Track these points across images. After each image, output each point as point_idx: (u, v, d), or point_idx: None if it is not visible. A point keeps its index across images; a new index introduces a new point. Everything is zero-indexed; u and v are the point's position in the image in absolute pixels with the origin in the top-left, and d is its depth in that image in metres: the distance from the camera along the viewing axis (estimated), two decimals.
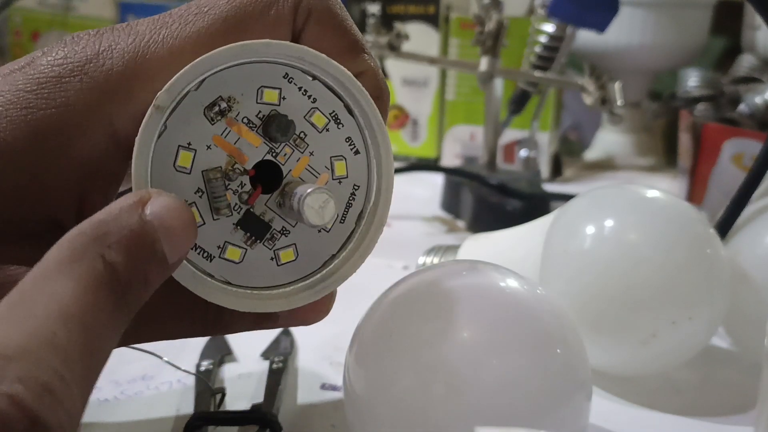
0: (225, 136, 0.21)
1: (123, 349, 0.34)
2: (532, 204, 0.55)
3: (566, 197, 0.51)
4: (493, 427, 0.19)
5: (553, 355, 0.23)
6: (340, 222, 0.23)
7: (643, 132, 0.90)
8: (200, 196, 0.21)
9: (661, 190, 0.33)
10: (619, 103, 0.57)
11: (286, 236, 0.22)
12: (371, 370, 0.24)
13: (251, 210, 0.22)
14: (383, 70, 0.85)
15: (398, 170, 0.64)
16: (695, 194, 0.60)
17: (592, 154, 0.92)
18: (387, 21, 0.82)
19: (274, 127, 0.21)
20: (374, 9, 0.83)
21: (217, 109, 0.21)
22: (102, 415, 0.30)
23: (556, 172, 0.79)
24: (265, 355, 0.35)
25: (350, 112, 0.23)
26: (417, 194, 0.70)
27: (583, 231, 0.32)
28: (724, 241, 0.34)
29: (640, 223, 0.31)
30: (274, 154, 0.22)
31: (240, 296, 0.22)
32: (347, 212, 0.23)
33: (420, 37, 0.81)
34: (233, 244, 0.22)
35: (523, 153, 0.74)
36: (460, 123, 0.81)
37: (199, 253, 0.21)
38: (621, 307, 0.30)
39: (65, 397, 0.15)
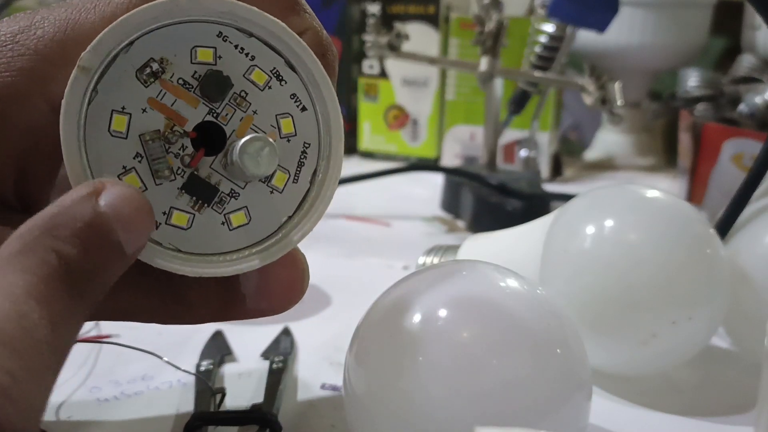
0: (161, 99, 0.21)
1: (123, 349, 0.34)
2: (532, 204, 0.55)
3: (566, 197, 0.51)
4: (493, 427, 0.19)
5: (552, 355, 0.23)
6: (294, 182, 0.22)
7: (643, 132, 0.90)
8: (139, 161, 0.21)
9: (661, 190, 0.33)
10: (619, 103, 0.57)
11: (236, 199, 0.22)
12: (371, 370, 0.24)
13: (196, 173, 0.21)
14: (383, 70, 0.85)
15: (398, 170, 0.64)
16: (695, 194, 0.60)
17: (592, 154, 0.92)
18: (387, 21, 0.82)
19: (211, 85, 0.21)
20: (374, 9, 0.83)
21: (149, 70, 0.20)
22: (102, 415, 0.30)
23: (556, 172, 0.79)
24: (265, 355, 0.35)
25: (292, 68, 0.22)
26: (417, 194, 0.70)
27: (583, 231, 0.32)
28: (724, 241, 0.34)
29: (640, 223, 0.31)
30: (214, 115, 0.21)
31: (186, 260, 0.21)
32: (300, 171, 0.22)
33: (420, 37, 0.81)
34: (179, 209, 0.21)
35: (523, 153, 0.74)
36: (460, 123, 0.81)
37: None
38: (621, 307, 0.30)
39: (19, 396, 0.15)
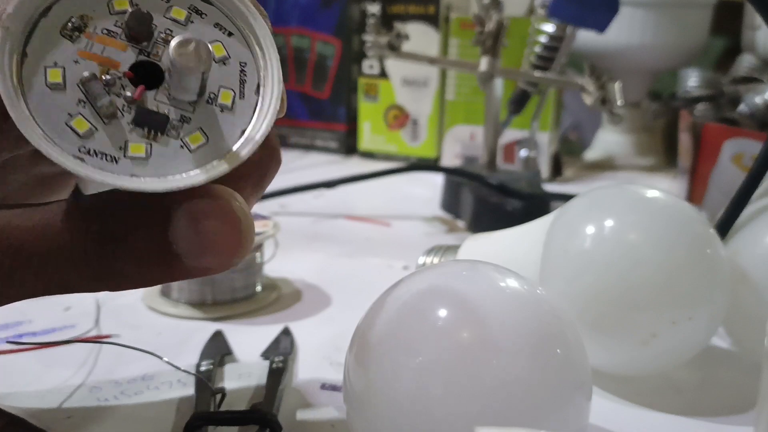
0: (90, 49, 0.21)
1: (123, 349, 0.34)
2: (532, 204, 0.55)
3: (566, 197, 0.51)
4: (493, 427, 0.19)
5: (552, 356, 0.23)
6: (241, 98, 0.23)
7: (643, 132, 0.90)
8: (84, 106, 0.21)
9: (661, 190, 0.33)
10: (619, 103, 0.57)
11: (189, 123, 0.22)
12: (371, 370, 0.24)
13: (143, 106, 0.22)
14: (383, 70, 0.85)
15: (398, 170, 0.64)
16: (695, 194, 0.60)
17: (592, 154, 0.92)
18: (387, 21, 0.82)
19: (135, 28, 0.22)
20: (374, 9, 0.83)
21: (71, 26, 0.21)
22: (102, 415, 0.30)
23: (556, 172, 0.79)
24: (265, 355, 0.35)
25: (208, 1, 0.23)
26: (417, 194, 0.70)
27: (583, 231, 0.32)
28: (724, 241, 0.34)
29: (640, 223, 0.31)
30: (146, 54, 0.22)
31: (127, 178, 0.21)
32: (244, 87, 0.23)
33: (420, 37, 0.81)
34: (135, 141, 0.22)
35: (523, 153, 0.74)
36: (460, 123, 0.81)
37: (101, 158, 0.21)
38: (621, 307, 0.30)
39: None
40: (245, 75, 0.23)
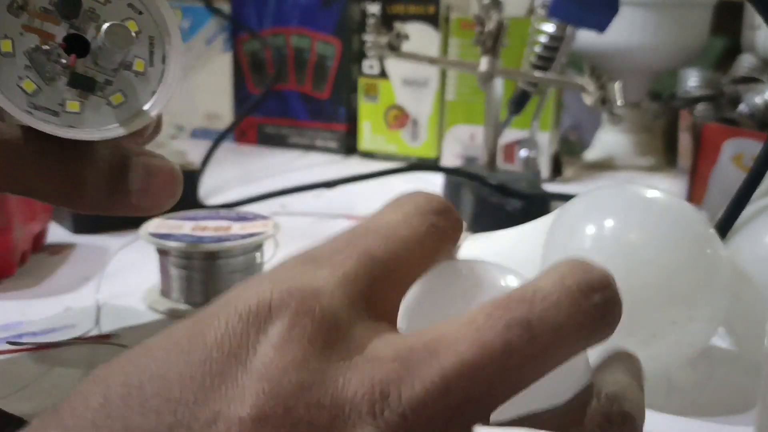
0: (31, 24, 0.27)
1: (123, 349, 0.34)
2: (532, 204, 0.55)
3: (566, 197, 0.51)
4: (493, 427, 0.19)
5: None
6: (150, 66, 0.29)
7: (643, 132, 0.90)
8: (30, 70, 0.27)
9: (661, 190, 0.33)
10: (619, 103, 0.57)
11: (111, 85, 0.28)
12: None
13: (75, 71, 0.28)
14: (383, 70, 0.85)
15: (398, 170, 0.64)
16: (695, 194, 0.60)
17: (592, 154, 0.92)
18: (387, 21, 0.82)
19: (65, 8, 0.27)
20: (374, 9, 0.83)
21: (16, 5, 0.27)
22: None
23: (556, 172, 0.79)
24: None
25: None
26: None
27: (583, 231, 0.32)
28: (724, 241, 0.34)
29: (640, 223, 0.31)
30: (75, 28, 0.27)
31: (67, 130, 0.27)
32: (153, 57, 0.29)
33: (420, 37, 0.81)
34: (71, 99, 0.28)
35: (523, 153, 0.74)
36: (460, 123, 0.81)
37: (45, 112, 0.27)
38: None
39: None
40: (153, 46, 0.29)
